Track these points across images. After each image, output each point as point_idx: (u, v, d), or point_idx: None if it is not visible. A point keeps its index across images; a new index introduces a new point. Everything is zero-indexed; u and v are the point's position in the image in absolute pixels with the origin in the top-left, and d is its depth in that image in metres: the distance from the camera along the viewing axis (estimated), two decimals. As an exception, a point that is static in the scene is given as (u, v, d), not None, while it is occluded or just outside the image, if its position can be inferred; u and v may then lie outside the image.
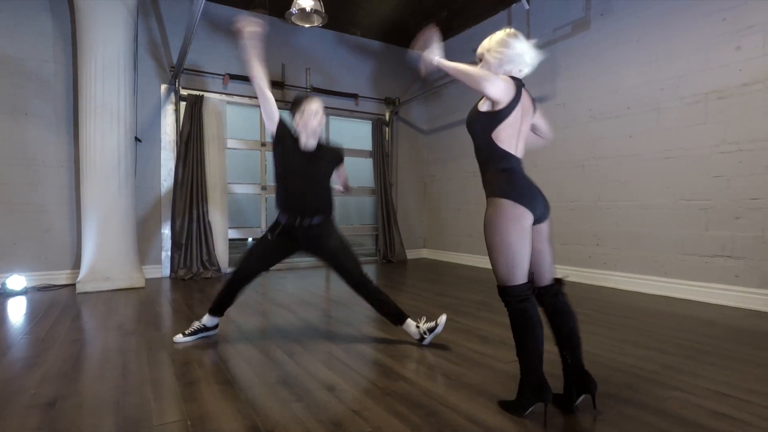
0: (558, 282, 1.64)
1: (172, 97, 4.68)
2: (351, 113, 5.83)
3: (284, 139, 2.31)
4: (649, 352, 2.20)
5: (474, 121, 1.63)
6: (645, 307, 3.16)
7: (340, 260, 2.33)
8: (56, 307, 3.23)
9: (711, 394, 1.71)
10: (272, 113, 2.26)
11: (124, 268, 3.96)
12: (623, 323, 2.74)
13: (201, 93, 4.74)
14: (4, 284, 3.71)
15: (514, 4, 4.84)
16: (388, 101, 6.04)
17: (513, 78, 1.60)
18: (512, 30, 1.66)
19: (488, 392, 1.74)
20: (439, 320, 2.32)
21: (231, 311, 3.11)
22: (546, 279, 1.63)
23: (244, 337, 2.49)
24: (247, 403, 1.66)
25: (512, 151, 1.58)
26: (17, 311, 3.12)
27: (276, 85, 5.10)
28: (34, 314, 3.02)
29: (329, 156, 2.41)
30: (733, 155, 3.19)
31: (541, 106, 2.97)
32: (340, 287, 4.11)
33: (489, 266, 3.98)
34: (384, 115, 6.06)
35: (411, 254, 6.29)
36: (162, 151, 4.66)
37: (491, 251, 1.54)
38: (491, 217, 1.54)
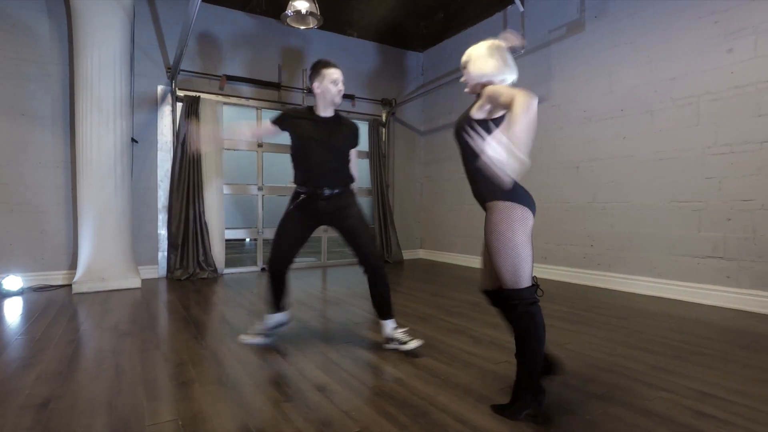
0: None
1: (169, 98, 4.69)
2: (347, 114, 5.84)
3: (293, 125, 2.31)
4: (639, 352, 2.23)
5: (466, 129, 1.61)
6: (638, 308, 3.18)
7: (357, 238, 2.29)
8: (52, 307, 3.25)
9: (697, 395, 1.73)
10: (273, 132, 2.37)
11: (120, 269, 3.98)
12: (615, 324, 2.76)
13: (197, 94, 4.75)
14: (0, 285, 3.72)
15: (509, 6, 4.87)
16: (385, 102, 6.06)
17: None
18: (495, 41, 1.68)
19: (477, 393, 1.76)
20: (410, 343, 2.20)
21: (226, 312, 3.13)
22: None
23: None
24: (238, 403, 1.68)
25: None
26: (13, 312, 3.13)
27: (272, 86, 5.11)
28: (30, 315, 3.03)
29: (346, 130, 2.39)
30: (725, 157, 3.21)
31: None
32: (336, 287, 4.13)
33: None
34: (381, 116, 6.08)
35: (408, 255, 6.32)
36: (158, 152, 4.67)
37: (497, 255, 1.52)
38: (497, 221, 1.53)
